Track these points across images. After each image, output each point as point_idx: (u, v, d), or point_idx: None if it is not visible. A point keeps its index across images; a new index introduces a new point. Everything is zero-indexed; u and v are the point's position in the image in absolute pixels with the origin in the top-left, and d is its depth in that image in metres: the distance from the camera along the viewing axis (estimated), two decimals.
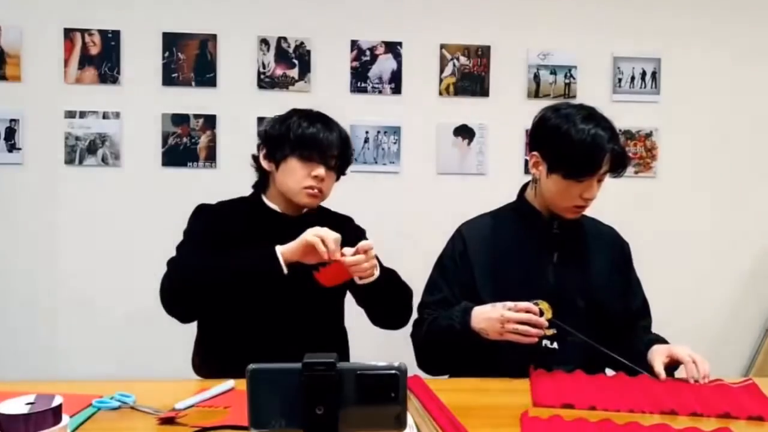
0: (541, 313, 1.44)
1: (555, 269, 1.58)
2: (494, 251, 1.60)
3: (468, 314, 1.47)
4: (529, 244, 1.59)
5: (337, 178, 1.67)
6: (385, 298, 1.59)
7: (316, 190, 1.58)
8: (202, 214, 1.65)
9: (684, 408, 1.24)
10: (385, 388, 0.86)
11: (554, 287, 1.56)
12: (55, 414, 0.94)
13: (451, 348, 1.50)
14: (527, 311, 1.42)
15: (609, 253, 1.65)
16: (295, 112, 1.63)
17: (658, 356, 1.46)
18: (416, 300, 1.67)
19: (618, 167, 1.52)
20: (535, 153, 1.56)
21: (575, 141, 1.46)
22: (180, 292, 1.49)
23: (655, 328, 1.71)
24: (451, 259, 1.63)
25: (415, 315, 1.66)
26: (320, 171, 1.57)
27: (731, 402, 1.27)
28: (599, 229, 1.70)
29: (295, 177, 1.58)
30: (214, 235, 1.58)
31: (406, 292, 1.66)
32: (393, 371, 0.86)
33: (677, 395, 1.30)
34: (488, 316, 1.44)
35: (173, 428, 1.14)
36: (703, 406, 1.25)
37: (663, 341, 1.56)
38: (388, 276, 1.58)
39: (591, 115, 1.50)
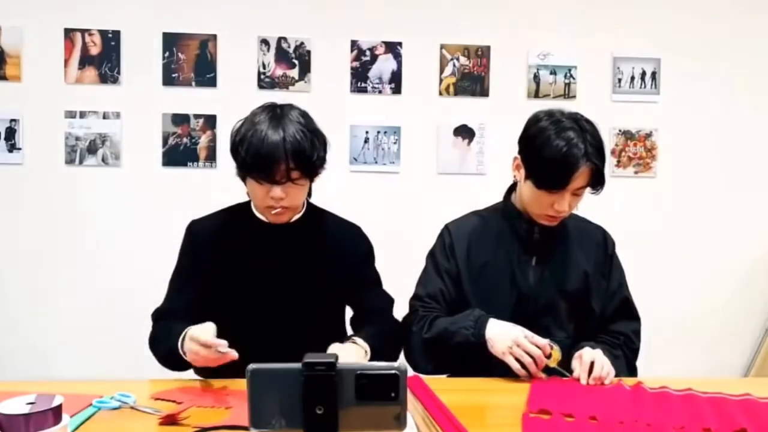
0: (549, 357, 1.43)
1: (535, 271, 1.59)
2: (477, 250, 1.61)
3: (482, 325, 1.47)
4: (510, 246, 1.60)
5: (312, 179, 1.53)
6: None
7: (279, 209, 1.48)
8: (191, 238, 1.62)
9: (697, 422, 1.18)
10: (385, 388, 0.86)
11: (534, 288, 1.57)
12: (56, 414, 0.95)
13: (457, 354, 1.50)
14: (540, 348, 1.41)
15: (592, 254, 1.64)
16: (253, 117, 1.49)
17: (573, 360, 1.47)
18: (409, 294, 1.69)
19: (596, 184, 1.49)
20: (517, 156, 1.57)
21: (547, 154, 1.45)
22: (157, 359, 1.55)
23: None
24: (441, 252, 1.64)
25: (406, 309, 1.67)
26: (276, 192, 1.44)
27: (752, 417, 1.20)
28: (585, 229, 1.68)
29: (257, 197, 1.50)
30: (203, 257, 1.57)
31: (394, 344, 1.61)
32: (393, 371, 0.86)
33: (692, 408, 1.25)
34: (504, 332, 1.44)
35: (173, 428, 1.15)
36: (719, 421, 1.19)
37: (600, 346, 1.51)
38: (378, 352, 1.48)
39: (573, 127, 1.47)
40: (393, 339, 1.60)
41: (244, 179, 1.52)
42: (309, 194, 1.64)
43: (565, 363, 1.48)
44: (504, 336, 1.43)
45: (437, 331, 1.53)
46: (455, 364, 1.53)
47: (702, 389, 1.34)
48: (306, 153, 1.43)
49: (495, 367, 1.46)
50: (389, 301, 1.69)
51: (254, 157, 1.42)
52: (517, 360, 1.41)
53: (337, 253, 1.61)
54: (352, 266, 1.62)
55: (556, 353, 1.44)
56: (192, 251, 1.61)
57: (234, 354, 1.31)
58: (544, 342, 1.43)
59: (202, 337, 1.33)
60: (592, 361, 1.42)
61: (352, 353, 1.42)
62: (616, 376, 1.44)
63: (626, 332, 1.61)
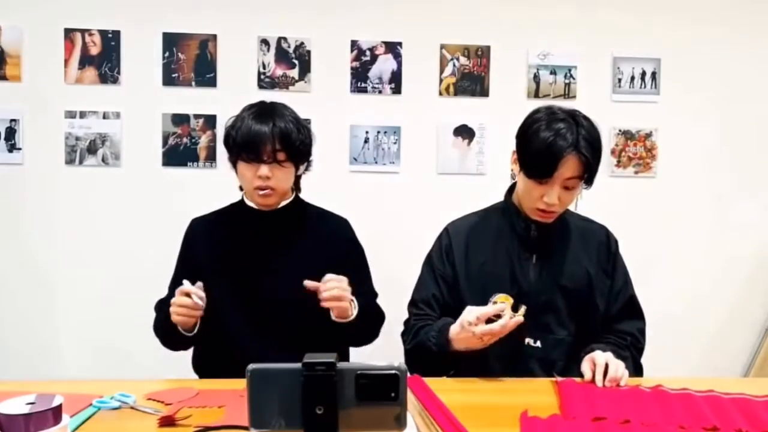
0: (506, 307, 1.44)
1: (535, 268, 1.59)
2: (477, 250, 1.62)
3: (443, 336, 1.47)
4: (510, 243, 1.60)
5: (297, 168, 1.64)
6: (358, 334, 1.65)
7: (266, 190, 1.58)
8: (188, 232, 1.73)
9: (728, 424, 1.17)
10: (385, 388, 0.86)
11: (534, 286, 1.57)
12: (56, 414, 0.95)
13: (434, 363, 1.51)
14: (489, 318, 1.40)
15: (594, 252, 1.63)
16: (244, 111, 1.64)
17: (584, 363, 1.46)
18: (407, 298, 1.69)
19: (587, 178, 1.49)
20: (514, 150, 1.59)
21: (535, 143, 1.47)
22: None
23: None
24: (437, 256, 1.65)
25: (405, 313, 1.68)
26: (263, 170, 1.56)
27: (747, 416, 1.20)
28: (587, 228, 1.68)
29: (245, 179, 1.60)
30: (198, 247, 1.68)
31: (378, 322, 1.73)
32: (393, 371, 0.86)
33: (721, 411, 1.24)
34: (462, 337, 1.44)
35: (173, 428, 1.15)
36: (717, 419, 1.18)
37: (609, 347, 1.50)
38: (365, 313, 1.60)
39: (566, 120, 1.48)
40: (375, 315, 1.71)
41: (235, 165, 1.62)
42: (298, 188, 1.72)
43: (571, 364, 1.49)
44: (467, 340, 1.43)
45: (416, 343, 1.56)
46: (434, 373, 1.53)
47: (697, 388, 1.35)
48: (292, 137, 1.57)
49: (494, 367, 1.47)
50: (372, 293, 1.76)
51: (244, 137, 1.55)
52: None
53: (323, 236, 1.70)
54: (339, 249, 1.70)
55: (501, 298, 1.45)
56: (187, 244, 1.72)
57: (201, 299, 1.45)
58: (485, 312, 1.40)
59: (186, 288, 1.46)
60: (607, 363, 1.41)
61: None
62: None
63: (632, 332, 1.61)
